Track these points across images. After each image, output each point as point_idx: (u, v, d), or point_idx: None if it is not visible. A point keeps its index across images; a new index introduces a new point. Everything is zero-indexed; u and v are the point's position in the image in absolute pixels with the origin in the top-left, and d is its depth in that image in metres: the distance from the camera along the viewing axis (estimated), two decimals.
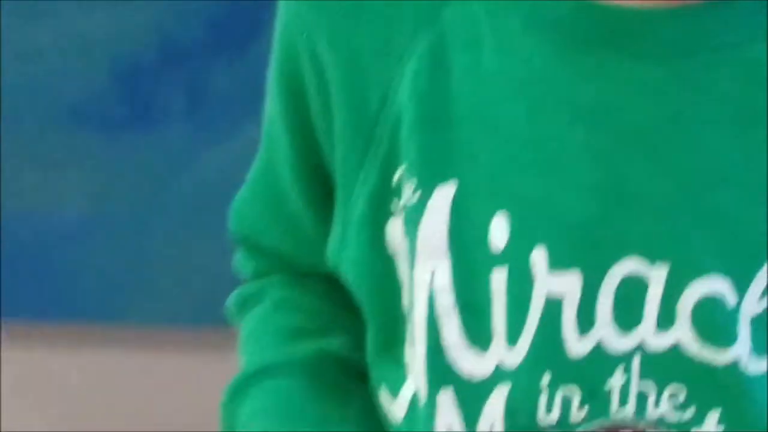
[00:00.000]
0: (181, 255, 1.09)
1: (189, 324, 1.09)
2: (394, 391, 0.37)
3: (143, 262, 1.12)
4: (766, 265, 0.32)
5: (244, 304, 0.45)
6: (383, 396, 0.38)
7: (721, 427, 0.33)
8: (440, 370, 0.35)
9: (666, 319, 0.33)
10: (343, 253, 0.38)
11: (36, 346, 1.12)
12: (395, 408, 0.37)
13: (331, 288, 0.42)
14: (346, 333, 0.42)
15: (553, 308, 0.33)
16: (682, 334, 0.33)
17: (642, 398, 0.33)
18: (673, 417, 0.33)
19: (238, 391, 0.42)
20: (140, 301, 1.12)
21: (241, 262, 0.46)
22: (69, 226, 1.12)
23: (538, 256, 0.33)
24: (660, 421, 0.33)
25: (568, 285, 0.33)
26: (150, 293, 1.12)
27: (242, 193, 0.44)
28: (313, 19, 0.37)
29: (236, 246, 0.46)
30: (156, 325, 1.10)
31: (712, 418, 0.33)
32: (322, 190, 0.40)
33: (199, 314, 1.06)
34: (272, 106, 0.41)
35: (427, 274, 0.35)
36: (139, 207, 1.12)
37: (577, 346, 0.33)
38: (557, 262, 0.33)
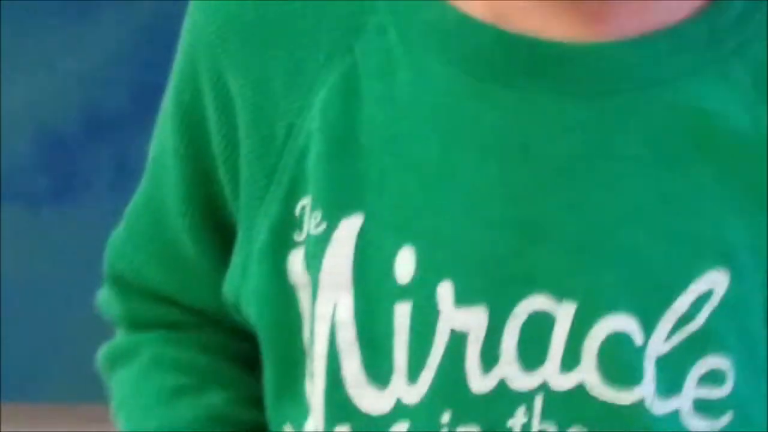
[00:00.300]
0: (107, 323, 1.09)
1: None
2: (299, 428, 0.36)
3: (65, 335, 1.11)
4: (673, 304, 0.32)
5: (117, 360, 0.42)
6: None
7: None
8: (338, 406, 0.34)
9: (571, 359, 0.32)
10: (243, 286, 0.36)
11: None
12: None
13: (210, 339, 0.41)
14: (228, 387, 0.40)
15: (457, 344, 0.32)
16: (587, 374, 0.32)
17: None
18: None
19: None
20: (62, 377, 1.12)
21: (108, 302, 0.43)
22: None
23: (444, 291, 0.32)
24: None
25: (474, 320, 0.32)
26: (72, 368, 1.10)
27: (120, 230, 0.42)
28: (221, 44, 0.36)
29: (105, 284, 0.43)
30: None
31: None
32: (211, 224, 0.39)
33: None
34: (164, 138, 0.39)
35: (329, 306, 0.34)
36: (63, 279, 1.11)
37: (480, 383, 0.32)
38: (463, 298, 0.32)
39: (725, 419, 0.33)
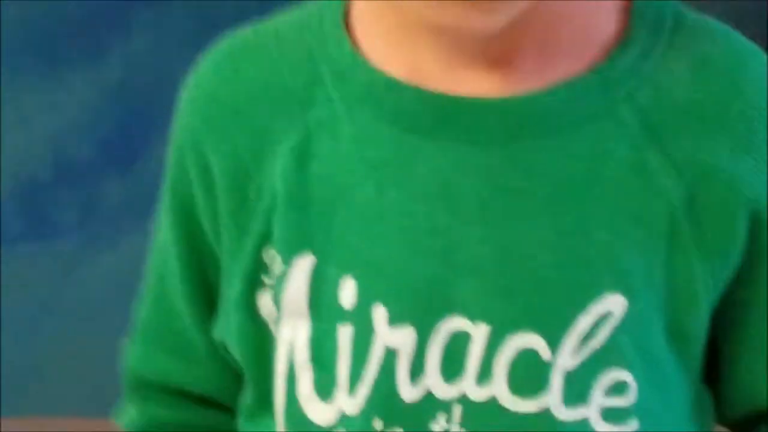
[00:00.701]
0: (73, 354, 1.19)
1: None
2: None
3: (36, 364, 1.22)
4: (575, 324, 0.37)
5: None
6: None
7: None
8: (295, 420, 0.40)
9: (485, 373, 0.37)
10: (227, 329, 0.42)
11: None
12: None
13: (207, 413, 0.47)
14: None
15: (389, 359, 0.37)
16: (498, 387, 0.37)
17: None
18: None
19: None
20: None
21: (127, 413, 0.48)
22: None
23: (378, 313, 0.38)
24: None
25: (403, 338, 0.37)
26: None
27: (133, 335, 0.47)
28: (200, 126, 0.42)
29: (125, 399, 0.48)
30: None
31: None
32: (206, 299, 0.44)
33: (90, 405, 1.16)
34: (164, 232, 0.45)
35: (288, 333, 0.39)
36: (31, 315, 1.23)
37: (409, 392, 0.37)
38: (395, 319, 0.38)
39: (632, 425, 0.38)
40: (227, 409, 0.45)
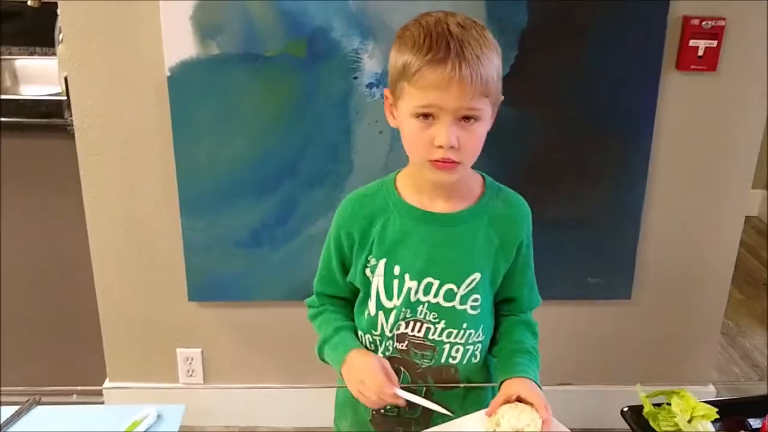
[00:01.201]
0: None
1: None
2: (363, 317, 1.33)
3: None
4: (466, 280, 1.27)
5: (315, 314, 1.38)
6: (361, 319, 1.34)
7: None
8: (378, 304, 1.30)
9: (435, 294, 1.27)
10: (354, 277, 1.31)
11: None
12: (364, 321, 1.33)
13: (341, 308, 1.37)
14: (347, 318, 1.37)
15: (408, 288, 1.27)
16: (440, 298, 1.27)
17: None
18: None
19: (321, 346, 1.35)
20: None
21: (312, 300, 1.41)
22: None
23: (406, 276, 1.27)
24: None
25: (413, 284, 1.27)
26: None
27: (316, 279, 1.39)
28: (348, 220, 1.30)
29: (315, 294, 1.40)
30: None
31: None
32: (344, 271, 1.33)
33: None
34: (329, 245, 1.33)
35: (376, 281, 1.29)
36: None
37: (413, 297, 1.27)
38: (411, 277, 1.26)
39: (479, 312, 1.30)
40: (350, 303, 1.36)
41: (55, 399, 1.31)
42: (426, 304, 1.26)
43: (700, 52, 1.97)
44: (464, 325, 1.28)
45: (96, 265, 2.18)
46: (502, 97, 1.22)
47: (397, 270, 1.26)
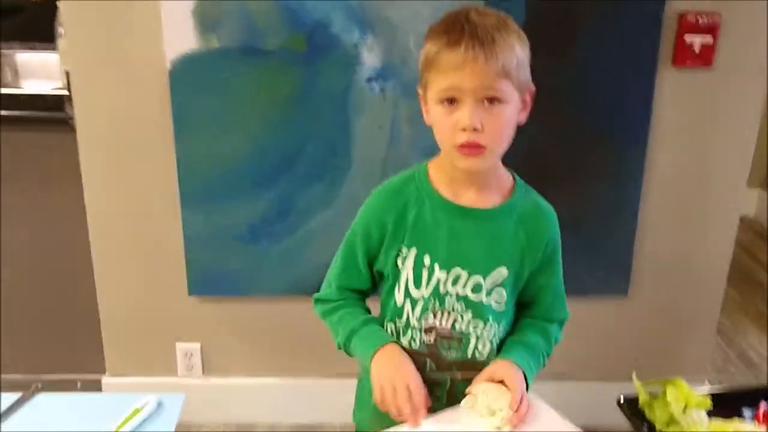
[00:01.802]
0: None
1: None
2: (389, 306, 1.33)
3: None
4: (492, 273, 1.28)
5: (333, 309, 1.36)
6: (386, 308, 1.35)
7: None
8: (407, 294, 1.30)
9: (463, 285, 1.27)
10: (384, 265, 1.31)
11: None
12: (389, 310, 1.34)
13: (360, 302, 1.38)
14: (367, 311, 1.37)
15: (438, 279, 1.27)
16: (467, 290, 1.28)
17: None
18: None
19: (349, 337, 1.32)
20: None
21: (327, 291, 1.39)
22: None
23: (436, 266, 1.27)
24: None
25: (442, 274, 1.27)
26: None
27: (332, 267, 1.39)
28: (381, 210, 1.29)
29: (330, 285, 1.39)
30: None
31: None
32: (368, 262, 1.33)
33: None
34: (355, 237, 1.33)
35: (406, 271, 1.29)
36: None
37: (442, 289, 1.28)
38: (440, 267, 1.27)
39: (503, 307, 1.31)
40: (366, 296, 1.39)
41: (56, 388, 1.32)
42: (455, 296, 1.27)
43: (696, 49, 1.99)
44: (489, 318, 1.29)
45: (96, 258, 2.19)
46: (533, 87, 1.23)
47: (427, 260, 1.26)
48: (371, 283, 1.36)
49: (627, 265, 2.22)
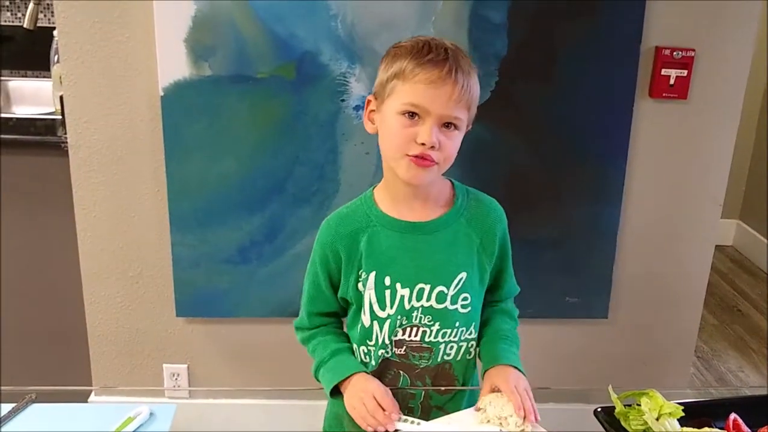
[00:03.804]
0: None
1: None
2: (356, 329, 1.38)
3: None
4: (454, 280, 1.34)
5: (308, 337, 1.43)
6: (354, 332, 1.40)
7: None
8: (372, 315, 1.35)
9: (428, 298, 1.33)
10: (345, 292, 1.36)
11: None
12: (357, 333, 1.38)
13: (333, 327, 1.43)
14: (342, 336, 1.42)
15: (401, 295, 1.33)
16: (431, 302, 1.33)
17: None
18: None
19: (317, 369, 1.38)
20: None
21: (301, 320, 1.45)
22: None
23: (397, 285, 1.32)
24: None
25: (404, 291, 1.32)
26: None
27: (304, 300, 1.43)
28: (332, 240, 1.34)
29: (304, 315, 1.44)
30: None
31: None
32: (333, 288, 1.38)
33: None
34: (315, 266, 1.38)
35: (368, 294, 1.34)
36: None
37: (407, 305, 1.33)
38: (403, 285, 1.32)
39: (469, 310, 1.37)
40: (339, 318, 1.43)
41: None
42: (420, 309, 1.33)
43: (672, 81, 2.07)
44: (456, 324, 1.35)
45: (85, 280, 2.22)
46: (470, 126, 1.30)
47: (387, 281, 1.31)
48: (340, 306, 1.41)
49: (607, 288, 2.27)
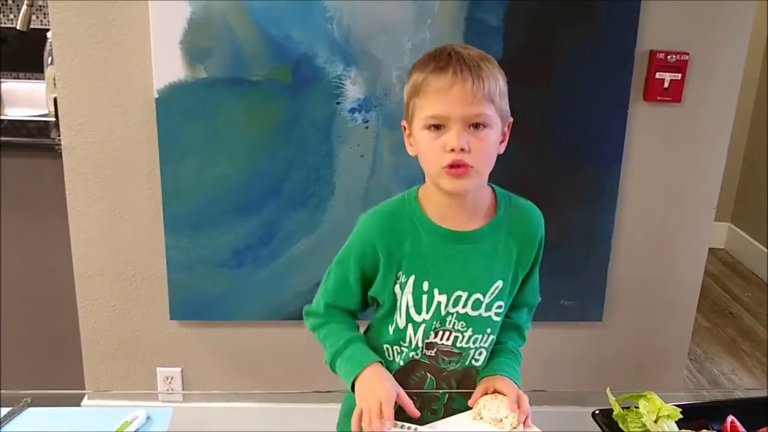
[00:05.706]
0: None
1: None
2: (386, 329, 1.38)
3: None
4: (490, 288, 1.35)
5: (320, 324, 1.40)
6: (383, 331, 1.40)
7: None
8: (408, 320, 1.35)
9: (464, 305, 1.34)
10: (379, 293, 1.36)
11: None
12: (390, 333, 1.38)
13: (348, 319, 1.41)
14: (354, 328, 1.40)
15: (438, 302, 1.32)
16: (467, 308, 1.34)
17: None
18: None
19: (333, 359, 1.36)
20: None
21: (313, 309, 1.43)
22: None
23: (435, 290, 1.32)
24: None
25: (442, 297, 1.32)
26: None
27: (323, 287, 1.41)
28: (375, 236, 1.32)
29: (320, 303, 1.41)
30: None
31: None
32: (362, 284, 1.36)
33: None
34: (349, 259, 1.35)
35: (405, 297, 1.34)
36: None
37: (443, 310, 1.33)
38: (441, 291, 1.32)
39: (501, 318, 1.40)
40: (356, 316, 1.42)
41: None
42: (455, 315, 1.33)
43: (666, 85, 2.08)
44: (488, 331, 1.37)
45: (78, 282, 2.21)
46: (511, 119, 1.30)
47: (426, 286, 1.31)
48: (361, 304, 1.39)
49: (602, 291, 2.28)
